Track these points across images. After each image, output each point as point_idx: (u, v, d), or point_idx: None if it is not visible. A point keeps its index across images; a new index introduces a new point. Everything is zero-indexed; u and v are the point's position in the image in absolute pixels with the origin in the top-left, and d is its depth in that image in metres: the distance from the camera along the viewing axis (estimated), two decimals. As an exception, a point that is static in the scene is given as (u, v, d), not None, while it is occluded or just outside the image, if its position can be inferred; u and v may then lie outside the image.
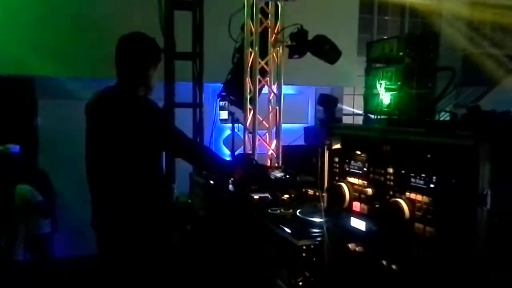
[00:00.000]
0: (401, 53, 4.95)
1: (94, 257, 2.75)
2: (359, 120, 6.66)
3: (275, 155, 4.87)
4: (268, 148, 4.88)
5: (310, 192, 3.16)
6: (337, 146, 2.23)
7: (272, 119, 4.90)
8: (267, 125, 4.89)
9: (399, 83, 4.94)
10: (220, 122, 4.56)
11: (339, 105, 5.93)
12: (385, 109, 5.06)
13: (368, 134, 2.09)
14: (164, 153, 2.92)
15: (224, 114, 4.43)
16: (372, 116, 5.31)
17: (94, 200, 2.72)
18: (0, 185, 4.44)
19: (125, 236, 2.63)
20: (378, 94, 5.30)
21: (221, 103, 4.46)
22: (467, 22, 6.73)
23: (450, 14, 6.81)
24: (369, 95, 5.47)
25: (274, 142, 4.90)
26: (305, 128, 5.52)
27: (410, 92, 4.91)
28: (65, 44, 4.96)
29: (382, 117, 5.06)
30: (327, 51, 4.45)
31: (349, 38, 6.19)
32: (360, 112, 6.73)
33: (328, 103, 5.57)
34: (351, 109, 6.96)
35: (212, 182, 3.62)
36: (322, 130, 3.09)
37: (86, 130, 2.71)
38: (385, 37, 7.17)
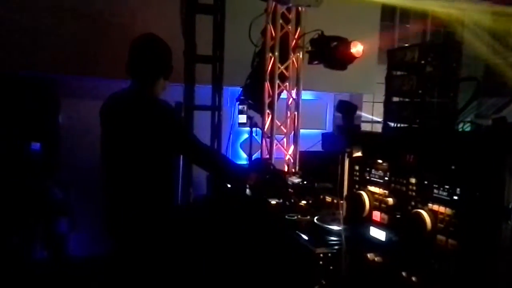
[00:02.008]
0: (422, 61, 4.89)
1: (110, 256, 2.76)
2: (378, 128, 6.59)
3: (292, 161, 4.86)
4: (286, 153, 4.86)
5: (328, 199, 3.14)
6: (358, 154, 2.21)
7: (290, 124, 4.88)
8: (285, 130, 4.88)
9: (420, 91, 4.88)
10: (238, 126, 4.56)
11: (358, 112, 5.89)
12: (405, 118, 5.00)
13: (390, 143, 2.07)
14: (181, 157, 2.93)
15: (242, 118, 4.43)
16: (392, 124, 5.26)
17: (108, 203, 2.73)
18: (21, 182, 4.49)
19: (141, 238, 2.64)
20: (398, 102, 5.24)
21: (240, 107, 4.46)
22: (490, 31, 6.64)
23: (472, 23, 6.73)
24: (389, 103, 5.43)
25: (292, 147, 4.88)
26: (323, 134, 5.48)
27: (431, 101, 4.84)
28: (87, 44, 5.00)
29: (402, 125, 5.01)
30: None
31: (371, 45, 6.14)
32: (379, 119, 6.67)
33: (347, 109, 5.54)
34: (370, 117, 6.90)
35: (229, 185, 3.61)
36: (341, 137, 3.08)
37: (101, 133, 2.72)
38: (406, 44, 7.12)
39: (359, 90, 6.44)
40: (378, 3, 6.21)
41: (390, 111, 5.54)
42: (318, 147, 5.16)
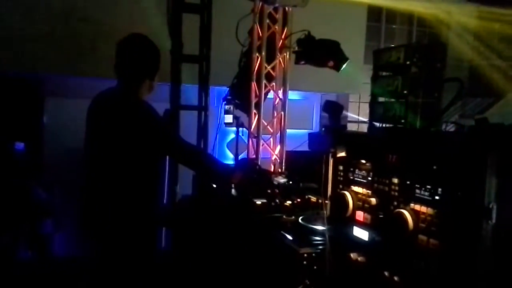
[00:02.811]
0: (408, 62, 4.92)
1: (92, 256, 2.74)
2: (364, 128, 6.64)
3: (278, 161, 4.86)
4: (272, 153, 4.86)
5: (313, 199, 3.15)
6: (342, 154, 2.21)
7: (276, 124, 4.88)
8: (271, 130, 4.88)
9: (405, 92, 4.92)
10: (224, 125, 4.55)
11: (344, 112, 5.92)
12: (391, 118, 5.03)
13: (374, 143, 2.08)
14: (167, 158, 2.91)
15: (229, 118, 4.42)
16: (377, 124, 5.29)
17: (88, 200, 2.71)
18: (5, 182, 4.44)
19: (119, 237, 2.62)
20: (383, 103, 5.27)
21: (226, 106, 4.44)
22: (475, 33, 6.71)
23: (457, 24, 6.79)
24: (375, 103, 5.45)
25: (278, 147, 4.88)
26: (309, 134, 5.50)
27: (416, 101, 4.88)
28: (72, 43, 4.97)
29: (387, 125, 5.04)
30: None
31: (357, 45, 6.18)
32: (366, 119, 6.71)
33: (333, 109, 5.57)
34: (356, 117, 6.94)
35: (214, 185, 3.60)
36: (328, 137, 3.09)
37: (85, 132, 2.70)
38: (392, 45, 7.17)
39: (346, 90, 6.48)
40: (364, 4, 6.24)
41: (375, 111, 5.60)
42: (305, 147, 5.19)
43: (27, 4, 4.83)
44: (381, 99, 5.48)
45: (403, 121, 5.00)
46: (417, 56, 5.02)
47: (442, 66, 5.18)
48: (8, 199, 4.42)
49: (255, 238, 2.87)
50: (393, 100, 5.23)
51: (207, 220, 3.48)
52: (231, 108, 4.40)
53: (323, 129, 5.54)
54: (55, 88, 5.12)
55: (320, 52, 4.32)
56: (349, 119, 6.86)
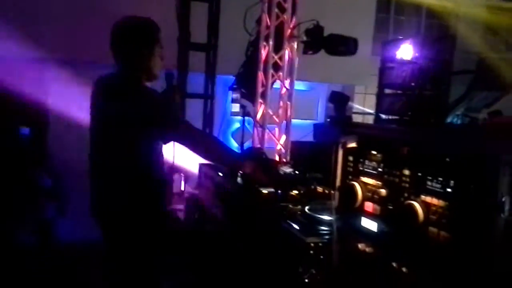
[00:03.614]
0: (416, 54, 4.89)
1: (99, 241, 2.74)
2: (369, 119, 6.62)
3: (283, 151, 4.86)
4: (277, 143, 4.86)
5: (319, 189, 3.14)
6: (353, 144, 2.20)
7: (282, 114, 4.88)
8: (277, 120, 4.87)
9: (413, 84, 4.89)
10: (230, 114, 4.55)
11: (349, 103, 5.90)
12: (398, 110, 5.01)
13: (385, 135, 2.06)
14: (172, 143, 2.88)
15: (235, 107, 4.41)
16: (384, 116, 5.27)
17: (93, 187, 2.71)
18: (10, 167, 4.45)
19: (127, 222, 2.62)
20: (391, 94, 5.25)
21: (233, 95, 4.43)
22: (484, 25, 6.66)
23: (466, 16, 6.74)
24: (382, 95, 5.43)
25: (283, 137, 4.88)
26: (314, 125, 5.50)
27: (423, 93, 4.86)
28: (79, 28, 4.94)
29: (394, 117, 5.02)
30: (341, 51, 4.42)
31: (365, 37, 6.14)
32: (371, 111, 6.69)
33: (339, 100, 5.53)
34: (362, 108, 6.92)
35: (221, 174, 3.60)
36: (333, 128, 3.07)
37: (90, 117, 2.70)
38: (401, 36, 7.11)
39: (352, 81, 6.45)
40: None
41: (382, 103, 5.58)
42: (310, 138, 5.19)
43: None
44: (388, 91, 5.47)
45: (410, 113, 5.00)
46: (425, 48, 5.01)
47: (450, 59, 5.16)
48: (13, 183, 4.43)
49: (261, 227, 2.87)
50: (400, 92, 5.22)
51: (211, 208, 3.49)
52: (238, 97, 4.39)
53: (328, 119, 5.55)
54: (60, 74, 5.10)
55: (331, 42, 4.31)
56: (354, 110, 6.83)
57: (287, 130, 4.87)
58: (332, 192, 2.35)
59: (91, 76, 2.99)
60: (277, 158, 4.77)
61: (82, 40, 4.99)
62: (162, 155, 2.73)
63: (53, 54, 4.88)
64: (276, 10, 4.57)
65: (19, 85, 4.68)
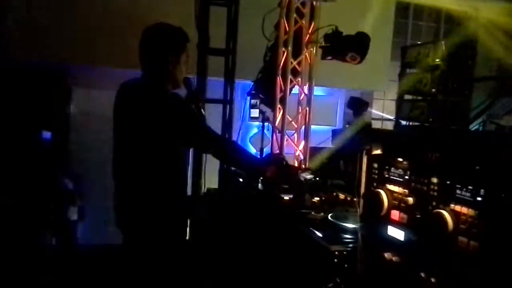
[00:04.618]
0: (437, 60, 4.87)
1: (119, 246, 2.75)
2: (388, 125, 6.58)
3: (302, 157, 4.83)
4: (296, 149, 4.83)
5: (341, 196, 3.12)
6: (378, 151, 2.17)
7: (301, 119, 4.85)
8: (295, 126, 4.85)
9: (433, 90, 4.86)
10: (249, 120, 4.54)
11: (368, 109, 5.85)
12: (418, 116, 4.98)
13: (412, 142, 2.03)
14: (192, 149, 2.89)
15: (255, 113, 4.41)
16: (404, 122, 5.25)
17: (117, 195, 2.72)
18: (32, 170, 4.50)
19: (148, 231, 2.62)
20: (411, 100, 5.22)
21: (252, 101, 4.43)
22: (504, 31, 6.57)
23: (486, 22, 6.66)
24: (402, 101, 5.40)
25: (302, 143, 4.85)
26: (333, 131, 5.48)
27: (444, 99, 4.83)
28: (98, 34, 4.99)
29: (415, 124, 4.99)
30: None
31: (384, 42, 6.10)
32: (390, 117, 6.64)
33: (358, 106, 5.52)
34: (381, 114, 6.87)
35: (241, 180, 3.59)
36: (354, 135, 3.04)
37: (113, 123, 2.71)
38: (419, 42, 7.07)
39: (371, 87, 6.40)
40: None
41: (402, 109, 5.55)
42: (328, 143, 5.17)
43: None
44: (407, 97, 5.44)
45: (431, 119, 4.97)
46: (446, 53, 4.98)
47: (472, 64, 5.13)
48: (35, 186, 4.48)
49: (283, 234, 2.85)
50: (420, 98, 5.19)
51: (231, 214, 3.47)
52: (257, 102, 4.38)
53: (347, 125, 5.52)
54: (81, 79, 5.16)
55: (344, 44, 4.27)
56: (373, 116, 6.78)
57: (306, 136, 4.84)
58: (356, 199, 2.33)
59: (111, 81, 3.02)
60: (296, 164, 4.74)
61: (105, 45, 5.03)
62: (187, 161, 2.74)
63: (74, 59, 4.91)
64: (295, 15, 4.55)
65: (41, 89, 4.74)
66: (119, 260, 2.97)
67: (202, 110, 3.06)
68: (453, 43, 5.12)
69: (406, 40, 7.15)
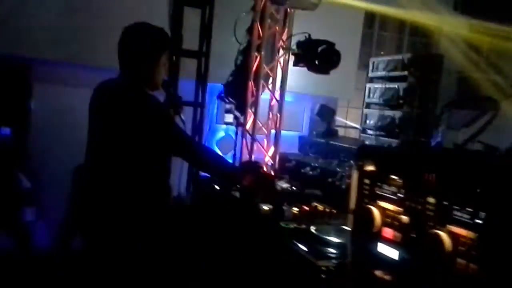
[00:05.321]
0: (405, 72, 4.97)
1: (77, 247, 2.64)
2: (351, 133, 6.67)
3: (271, 162, 4.80)
4: (265, 154, 4.80)
5: (320, 207, 3.11)
6: (371, 168, 2.17)
7: (271, 125, 4.83)
8: (266, 131, 4.82)
9: (400, 101, 4.96)
10: (224, 124, 4.48)
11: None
12: (384, 127, 5.07)
13: (407, 160, 2.03)
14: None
15: (229, 117, 4.35)
16: (370, 132, 5.33)
17: (85, 199, 2.62)
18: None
19: (118, 235, 2.53)
20: (377, 111, 5.31)
21: (227, 106, 4.37)
22: (466, 45, 6.82)
23: (449, 36, 6.89)
24: (368, 111, 5.48)
25: (272, 148, 4.83)
26: (300, 137, 5.50)
27: (410, 111, 4.94)
28: (65, 29, 4.78)
29: (380, 133, 5.08)
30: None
31: (352, 51, 6.19)
32: (354, 125, 6.73)
33: (326, 114, 5.56)
34: (344, 121, 6.96)
35: (217, 187, 3.52)
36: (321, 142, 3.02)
37: (88, 124, 2.62)
38: (382, 52, 7.23)
39: (338, 94, 6.47)
40: (361, 10, 6.24)
41: (368, 118, 5.63)
42: (294, 149, 5.18)
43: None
44: (374, 107, 5.52)
45: (397, 130, 5.06)
46: (414, 66, 5.09)
47: (438, 77, 5.26)
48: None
49: (266, 246, 2.81)
50: (387, 108, 5.28)
51: (206, 223, 3.40)
52: (232, 107, 4.32)
53: (314, 132, 5.55)
54: (44, 74, 4.93)
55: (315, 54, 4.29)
56: (337, 123, 6.85)
57: (276, 141, 4.82)
58: (348, 214, 2.31)
59: (77, 79, 2.91)
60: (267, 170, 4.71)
61: (73, 42, 4.82)
62: (168, 165, 2.66)
63: (40, 54, 4.68)
64: (269, 20, 4.52)
65: (2, 85, 4.50)
66: (81, 264, 2.86)
67: (182, 115, 2.98)
68: (422, 56, 5.25)
69: (371, 50, 7.29)
